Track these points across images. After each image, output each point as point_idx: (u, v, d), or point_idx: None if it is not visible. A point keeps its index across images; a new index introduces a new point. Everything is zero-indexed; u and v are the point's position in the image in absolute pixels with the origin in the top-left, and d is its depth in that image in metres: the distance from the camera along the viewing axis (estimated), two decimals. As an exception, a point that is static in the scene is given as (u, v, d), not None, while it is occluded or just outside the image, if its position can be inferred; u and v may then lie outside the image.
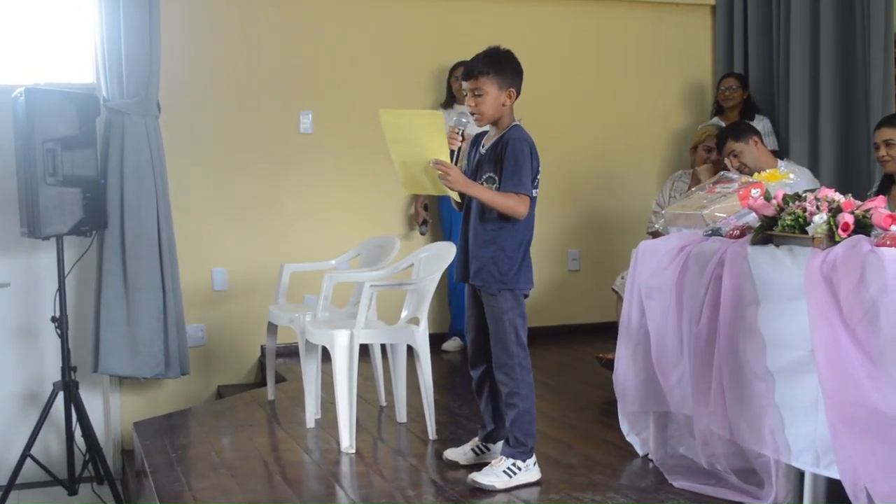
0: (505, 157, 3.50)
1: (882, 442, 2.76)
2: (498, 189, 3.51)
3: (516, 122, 3.59)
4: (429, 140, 3.45)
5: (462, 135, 3.58)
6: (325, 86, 6.31)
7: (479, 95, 3.52)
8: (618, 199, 6.95)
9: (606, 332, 5.25)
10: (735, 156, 4.83)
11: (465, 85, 3.58)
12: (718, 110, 6.50)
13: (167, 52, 5.58)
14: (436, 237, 6.40)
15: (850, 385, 2.80)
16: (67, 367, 5.12)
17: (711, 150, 5.25)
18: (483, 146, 3.65)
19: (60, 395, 5.14)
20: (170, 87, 5.71)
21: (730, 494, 3.38)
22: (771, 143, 6.17)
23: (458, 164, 3.57)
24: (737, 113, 6.31)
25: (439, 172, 3.43)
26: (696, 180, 5.38)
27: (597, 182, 6.95)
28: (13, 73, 5.74)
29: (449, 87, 6.32)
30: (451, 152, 3.53)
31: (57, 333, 5.14)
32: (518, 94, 3.60)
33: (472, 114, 3.57)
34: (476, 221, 3.59)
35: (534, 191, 3.55)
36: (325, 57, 6.31)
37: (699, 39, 7.22)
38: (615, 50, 6.98)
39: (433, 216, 6.45)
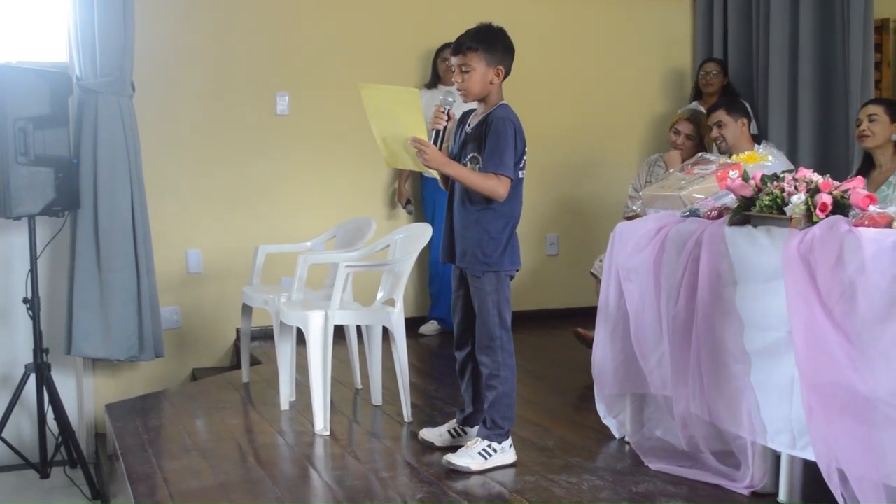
0: (488, 137, 3.44)
1: (860, 423, 2.75)
2: (480, 169, 3.47)
3: (503, 102, 3.54)
4: (406, 117, 3.41)
5: (448, 114, 3.54)
6: (303, 67, 6.25)
7: (467, 72, 3.46)
8: (597, 183, 6.92)
9: (585, 316, 5.23)
10: (719, 126, 4.86)
11: (452, 60, 3.52)
12: (698, 95, 6.49)
13: (141, 31, 5.50)
14: (420, 217, 6.36)
15: (827, 365, 2.79)
16: (39, 350, 5.07)
17: (679, 133, 5.26)
18: (469, 125, 3.60)
19: (32, 378, 5.09)
20: (144, 66, 5.63)
21: (706, 476, 3.38)
22: (751, 127, 6.16)
23: (444, 144, 3.52)
24: (716, 98, 6.28)
25: (416, 150, 3.39)
26: (666, 167, 5.37)
27: (576, 166, 6.92)
28: (-15, 50, 5.66)
29: (434, 68, 6.27)
30: (437, 131, 3.49)
31: (29, 315, 5.09)
32: (507, 73, 3.54)
33: (458, 90, 3.52)
34: (460, 202, 3.55)
35: (520, 172, 3.50)
36: (303, 37, 6.24)
37: (679, 24, 7.18)
38: (595, 34, 6.94)
39: (415, 196, 6.40)
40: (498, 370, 3.54)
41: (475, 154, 3.50)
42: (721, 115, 4.88)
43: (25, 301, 5.08)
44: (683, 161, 4.83)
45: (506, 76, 3.53)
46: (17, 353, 5.68)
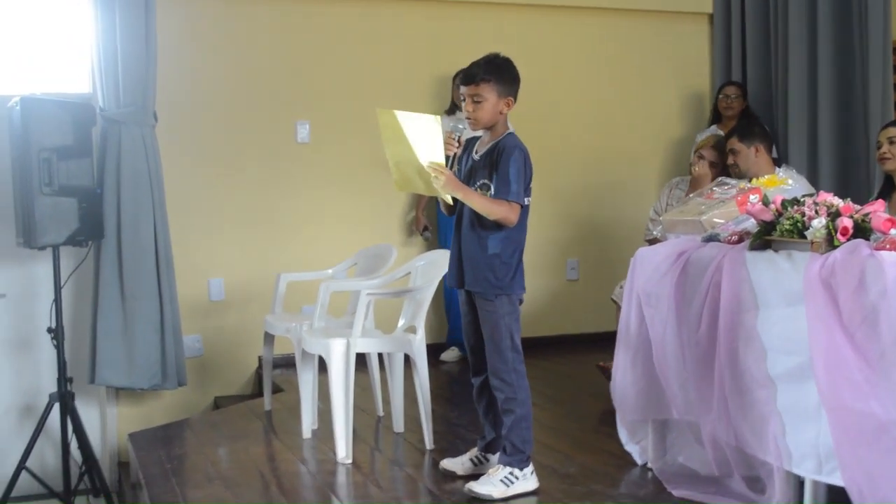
0: (499, 165, 3.49)
1: (877, 447, 2.73)
2: (491, 195, 3.50)
3: (510, 131, 3.59)
4: (424, 143, 3.43)
5: (458, 140, 3.57)
6: (323, 95, 6.30)
7: (478, 102, 3.52)
8: (617, 207, 6.92)
9: (605, 342, 5.20)
10: (733, 153, 4.85)
11: (463, 90, 3.56)
12: (716, 118, 6.49)
13: (164, 62, 5.57)
14: (436, 244, 6.37)
15: (847, 390, 2.77)
16: (63, 379, 5.09)
17: (703, 157, 5.25)
18: (476, 152, 3.64)
19: (56, 407, 5.11)
20: (166, 96, 5.69)
21: (730, 502, 3.35)
22: (772, 151, 6.14)
23: (452, 169, 3.55)
24: (736, 122, 6.27)
25: (433, 175, 3.42)
26: (692, 185, 5.37)
27: (596, 191, 6.92)
28: (9, 82, 5.72)
29: (453, 95, 6.30)
30: (447, 157, 3.51)
31: (53, 344, 5.11)
32: (515, 102, 3.59)
33: (468, 118, 3.56)
34: (469, 227, 3.58)
35: (526, 199, 3.54)
36: (323, 66, 6.30)
37: (697, 48, 7.20)
38: (613, 58, 6.97)
39: (431, 223, 6.42)
40: (514, 393, 3.55)
41: (486, 181, 3.54)
42: (733, 142, 4.88)
43: (50, 330, 5.10)
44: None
45: (513, 105, 3.59)
46: (41, 383, 5.72)
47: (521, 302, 3.63)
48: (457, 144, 3.55)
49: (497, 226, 3.50)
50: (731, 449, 3.39)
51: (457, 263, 3.65)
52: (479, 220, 3.53)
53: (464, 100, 3.57)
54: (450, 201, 3.56)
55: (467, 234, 3.59)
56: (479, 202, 3.49)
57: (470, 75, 3.53)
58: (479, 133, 3.67)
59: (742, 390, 3.26)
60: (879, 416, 2.71)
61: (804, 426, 3.04)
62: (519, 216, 3.50)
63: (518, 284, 3.57)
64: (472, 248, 3.57)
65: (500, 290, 3.53)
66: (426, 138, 3.44)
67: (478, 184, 3.55)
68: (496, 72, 3.52)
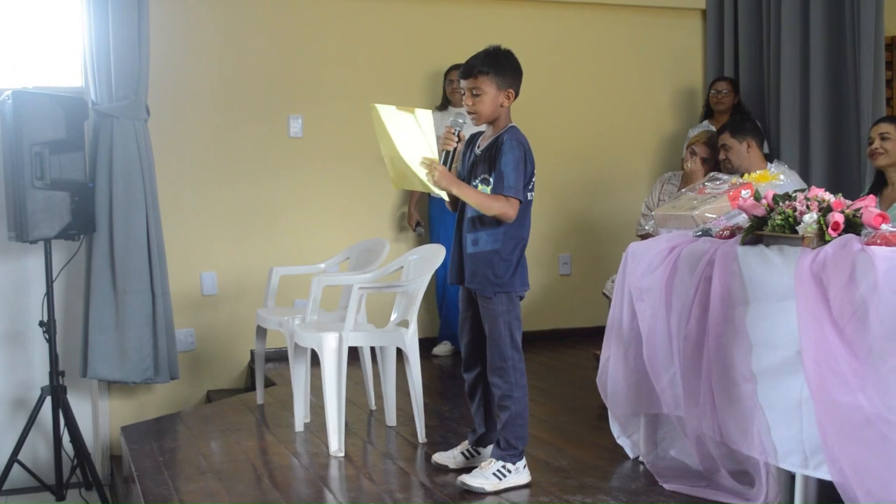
0: (498, 159, 3.46)
1: (863, 440, 2.75)
2: (491, 190, 3.49)
3: (513, 124, 3.56)
4: (418, 138, 3.42)
5: (458, 135, 3.55)
6: (316, 90, 6.29)
7: (478, 95, 3.48)
8: (609, 202, 6.94)
9: (598, 336, 5.21)
10: (725, 149, 4.86)
11: (463, 83, 3.54)
12: (708, 113, 6.50)
13: (156, 55, 5.56)
14: (427, 238, 6.38)
15: (835, 383, 2.79)
16: (55, 372, 5.10)
17: (695, 153, 5.27)
18: (478, 147, 3.62)
19: (48, 401, 5.11)
20: (159, 90, 5.68)
21: (720, 496, 3.37)
22: (763, 147, 6.16)
23: (453, 165, 3.54)
24: (727, 117, 6.29)
25: (426, 171, 3.41)
26: (684, 180, 5.38)
27: (588, 186, 6.94)
28: (1, 76, 5.71)
29: (444, 90, 6.30)
30: (446, 153, 3.50)
31: (45, 338, 5.11)
32: (517, 95, 3.56)
33: (469, 113, 3.54)
34: (470, 223, 3.56)
35: (529, 194, 3.52)
36: (316, 61, 6.29)
37: (689, 43, 7.22)
38: (606, 54, 6.98)
39: (423, 218, 6.43)
40: (511, 391, 3.55)
41: (486, 176, 3.52)
42: (725, 137, 4.89)
43: (41, 324, 5.11)
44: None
45: (514, 98, 3.56)
46: (33, 376, 5.72)
47: (521, 298, 3.61)
48: (456, 139, 3.54)
49: (497, 222, 3.49)
50: (715, 444, 3.41)
51: (457, 259, 3.64)
52: (479, 216, 3.51)
53: (464, 94, 3.54)
54: (446, 197, 3.55)
55: (468, 230, 3.57)
56: (476, 197, 3.46)
57: (468, 68, 3.51)
58: (482, 128, 3.65)
59: (728, 385, 3.28)
60: (866, 409, 2.73)
61: (787, 421, 3.06)
62: (519, 212, 3.47)
63: (519, 282, 3.55)
64: (473, 245, 3.55)
65: (499, 287, 3.52)
66: (412, 134, 3.41)
67: (478, 178, 3.53)
68: (494, 64, 3.48)
